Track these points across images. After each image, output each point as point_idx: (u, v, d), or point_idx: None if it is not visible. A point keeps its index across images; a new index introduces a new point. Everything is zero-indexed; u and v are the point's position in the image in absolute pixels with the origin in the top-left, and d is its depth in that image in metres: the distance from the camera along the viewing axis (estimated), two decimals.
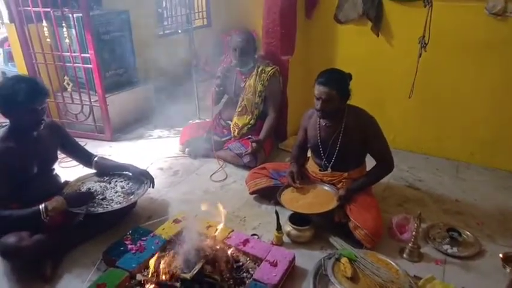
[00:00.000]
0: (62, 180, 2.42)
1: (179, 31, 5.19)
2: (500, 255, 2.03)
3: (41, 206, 1.95)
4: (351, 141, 2.25)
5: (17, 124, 2.04)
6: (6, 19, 3.49)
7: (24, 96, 1.93)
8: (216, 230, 2.04)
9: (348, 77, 2.20)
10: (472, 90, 2.94)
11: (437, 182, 2.88)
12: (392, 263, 1.90)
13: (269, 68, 3.08)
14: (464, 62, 2.90)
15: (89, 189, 2.33)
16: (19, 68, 3.63)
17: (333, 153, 2.32)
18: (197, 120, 3.78)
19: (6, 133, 2.04)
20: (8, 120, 2.06)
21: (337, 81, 2.15)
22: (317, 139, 2.35)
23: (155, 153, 3.34)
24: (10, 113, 2.00)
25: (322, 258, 1.97)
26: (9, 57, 5.33)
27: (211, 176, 2.97)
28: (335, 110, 2.19)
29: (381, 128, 2.26)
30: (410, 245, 2.09)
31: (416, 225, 2.06)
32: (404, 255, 2.10)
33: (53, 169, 2.33)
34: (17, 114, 1.98)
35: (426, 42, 2.61)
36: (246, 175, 2.71)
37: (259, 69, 3.07)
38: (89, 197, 2.23)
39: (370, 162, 2.37)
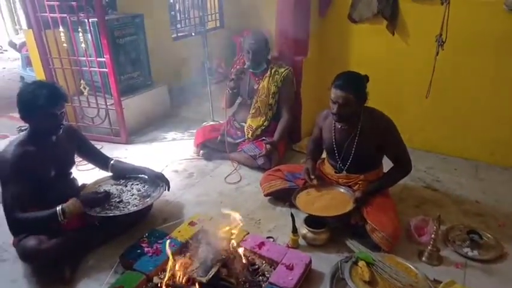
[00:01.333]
0: (80, 183, 2.45)
1: (193, 33, 5.22)
2: None
3: (58, 208, 1.98)
4: (367, 144, 2.22)
5: (37, 128, 2.08)
6: (24, 25, 3.56)
7: (44, 101, 1.97)
8: (232, 233, 2.03)
9: (365, 79, 2.16)
10: (492, 89, 2.87)
11: (455, 182, 2.82)
12: (411, 266, 1.86)
13: (282, 69, 3.06)
14: (483, 59, 2.83)
15: (106, 191, 2.36)
16: (37, 73, 3.70)
17: (348, 156, 2.28)
18: (211, 122, 3.79)
19: (26, 137, 2.08)
20: (27, 124, 2.10)
21: (354, 85, 2.11)
22: (332, 141, 2.32)
23: (170, 155, 3.36)
24: (30, 117, 2.04)
25: (339, 261, 1.95)
26: (27, 62, 5.45)
27: (225, 178, 2.97)
28: (351, 113, 2.15)
29: (398, 130, 2.22)
30: (429, 248, 2.05)
31: (435, 227, 2.01)
32: (423, 259, 2.06)
33: (71, 173, 2.37)
34: (37, 118, 2.02)
35: (444, 40, 2.56)
36: (260, 177, 2.70)
37: (273, 71, 3.06)
38: (105, 198, 2.25)
39: (387, 163, 2.33)
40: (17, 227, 2.01)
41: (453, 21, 2.51)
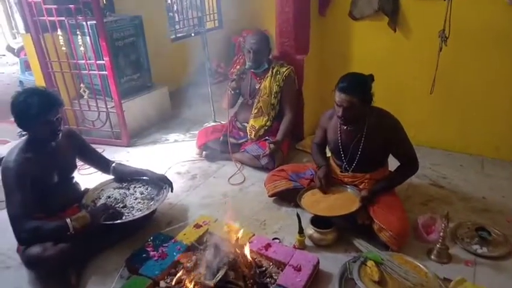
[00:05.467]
0: (82, 187, 2.43)
1: (192, 34, 5.20)
2: None
3: (68, 220, 1.95)
4: (374, 144, 2.18)
5: (35, 136, 2.04)
6: (22, 29, 3.53)
7: (37, 110, 1.92)
8: (238, 234, 2.01)
9: (370, 79, 2.11)
10: (495, 83, 2.84)
11: (461, 178, 2.80)
12: (420, 265, 1.84)
13: (284, 69, 3.03)
14: (486, 54, 2.80)
15: (109, 197, 2.34)
16: (36, 77, 3.68)
17: (354, 156, 2.25)
18: (213, 123, 3.76)
19: (25, 144, 2.04)
20: None
21: (359, 88, 2.06)
22: (338, 142, 2.29)
23: (172, 157, 3.34)
24: (26, 126, 2.01)
25: (347, 261, 1.93)
26: (26, 66, 5.42)
27: (229, 179, 2.94)
28: (357, 116, 2.10)
29: (404, 128, 2.19)
30: (438, 245, 2.03)
31: (443, 225, 1.99)
32: (432, 257, 2.03)
33: (73, 177, 2.35)
34: (33, 127, 1.99)
35: (447, 36, 2.53)
36: (264, 177, 2.67)
37: (274, 70, 3.03)
38: (116, 213, 2.20)
39: (392, 161, 2.30)
40: (25, 238, 1.93)
41: (456, 16, 2.49)
